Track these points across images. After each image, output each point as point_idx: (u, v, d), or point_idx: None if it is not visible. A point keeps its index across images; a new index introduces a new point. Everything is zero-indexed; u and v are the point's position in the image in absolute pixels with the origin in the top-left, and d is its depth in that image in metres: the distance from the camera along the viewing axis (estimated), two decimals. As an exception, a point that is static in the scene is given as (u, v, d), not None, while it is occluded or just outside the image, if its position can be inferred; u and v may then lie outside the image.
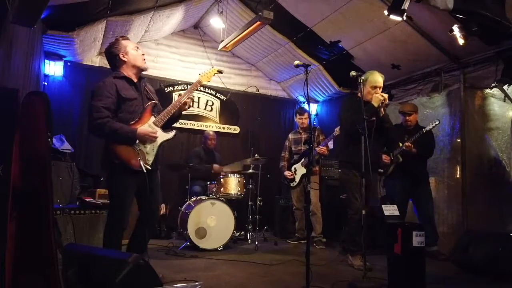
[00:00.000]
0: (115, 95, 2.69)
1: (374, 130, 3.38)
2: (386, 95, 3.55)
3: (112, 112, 2.67)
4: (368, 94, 3.61)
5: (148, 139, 2.73)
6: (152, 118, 2.82)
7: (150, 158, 2.76)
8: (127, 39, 2.91)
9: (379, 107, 3.51)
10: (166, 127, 2.88)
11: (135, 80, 2.86)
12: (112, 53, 2.82)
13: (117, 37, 2.90)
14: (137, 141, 2.70)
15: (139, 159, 2.67)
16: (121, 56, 2.80)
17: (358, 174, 3.43)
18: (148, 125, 2.77)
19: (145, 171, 2.66)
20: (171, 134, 2.87)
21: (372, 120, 3.43)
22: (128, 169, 2.67)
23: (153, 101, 2.89)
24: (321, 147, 4.94)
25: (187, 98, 2.92)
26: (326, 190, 5.53)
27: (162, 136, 2.83)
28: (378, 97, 3.52)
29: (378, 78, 3.65)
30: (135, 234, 2.89)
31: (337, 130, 4.82)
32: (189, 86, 6.19)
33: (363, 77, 3.56)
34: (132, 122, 2.74)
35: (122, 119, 2.70)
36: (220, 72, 3.14)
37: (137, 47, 2.89)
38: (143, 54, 2.90)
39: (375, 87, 3.62)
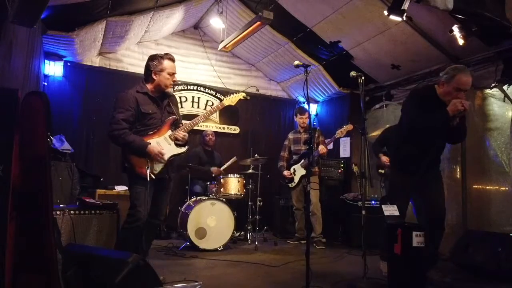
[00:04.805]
0: (135, 108, 2.86)
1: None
2: (467, 103, 2.78)
3: (130, 123, 2.85)
4: (447, 95, 2.92)
5: (155, 158, 2.85)
6: (169, 132, 2.98)
7: (158, 168, 2.91)
8: (172, 60, 2.98)
9: (454, 117, 2.82)
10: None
11: (156, 95, 2.98)
12: (148, 66, 2.97)
13: (164, 55, 2.97)
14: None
15: (147, 168, 2.82)
16: (153, 74, 2.95)
17: (408, 179, 3.11)
18: (164, 138, 2.94)
19: (148, 179, 2.79)
20: (182, 149, 3.02)
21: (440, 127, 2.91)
22: (139, 175, 2.82)
23: (174, 116, 3.04)
24: (322, 146, 4.94)
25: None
26: (326, 190, 5.54)
27: (173, 150, 2.97)
28: (457, 106, 2.76)
29: (467, 80, 2.87)
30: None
31: (338, 133, 4.83)
32: (189, 87, 6.31)
33: (447, 72, 2.92)
34: (150, 133, 2.91)
35: (138, 131, 2.88)
36: (245, 98, 3.50)
37: (172, 74, 2.97)
38: (174, 81, 3.02)
39: (459, 90, 2.87)
